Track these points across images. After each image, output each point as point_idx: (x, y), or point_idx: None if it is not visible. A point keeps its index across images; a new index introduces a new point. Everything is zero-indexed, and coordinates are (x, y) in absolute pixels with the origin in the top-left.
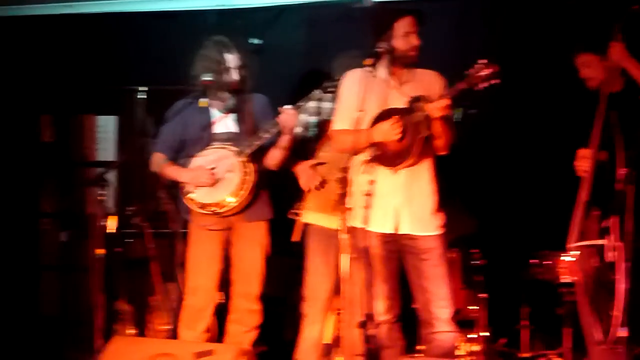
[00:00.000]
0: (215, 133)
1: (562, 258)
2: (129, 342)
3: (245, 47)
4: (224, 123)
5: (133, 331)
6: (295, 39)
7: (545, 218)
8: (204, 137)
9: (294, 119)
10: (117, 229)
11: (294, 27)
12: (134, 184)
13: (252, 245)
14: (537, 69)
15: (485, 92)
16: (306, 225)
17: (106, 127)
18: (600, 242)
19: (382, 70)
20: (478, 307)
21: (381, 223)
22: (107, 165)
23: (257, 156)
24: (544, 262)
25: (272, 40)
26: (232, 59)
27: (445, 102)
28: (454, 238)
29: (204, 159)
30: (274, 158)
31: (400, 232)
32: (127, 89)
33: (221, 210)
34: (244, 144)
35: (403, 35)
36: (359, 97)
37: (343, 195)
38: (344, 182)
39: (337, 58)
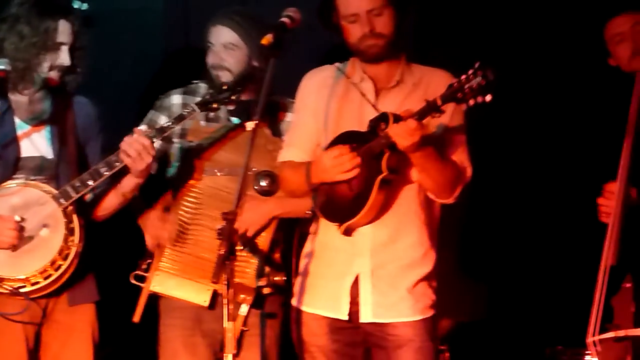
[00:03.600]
0: (21, 157)
1: (585, 358)
2: None
3: (73, 15)
4: (33, 141)
5: None
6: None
7: (559, 295)
8: (4, 162)
9: (151, 150)
10: None
11: None
12: None
13: (77, 341)
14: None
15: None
16: (157, 297)
17: None
18: (635, 332)
19: (353, 68)
20: None
21: (330, 304)
22: None
23: (82, 203)
24: None
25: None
26: (64, 30)
27: (413, 125)
28: (451, 326)
29: (2, 202)
30: (109, 207)
31: (362, 320)
32: None
33: (30, 289)
34: (70, 183)
35: (349, 20)
36: (320, 112)
37: (227, 255)
38: (225, 234)
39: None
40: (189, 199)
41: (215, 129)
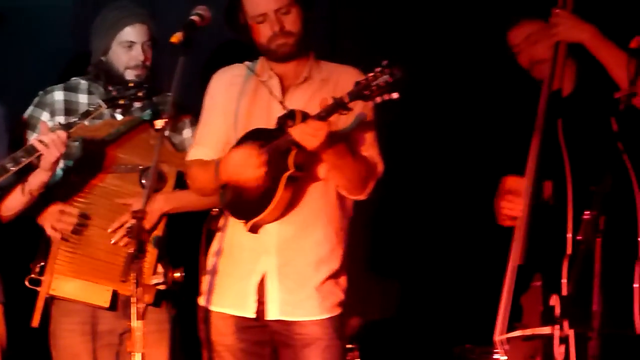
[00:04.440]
0: None
1: (494, 356)
2: None
3: None
4: None
5: None
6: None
7: (468, 294)
8: None
9: (61, 146)
10: None
11: None
12: None
13: None
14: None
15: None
16: (54, 300)
17: None
18: (543, 330)
19: (262, 66)
20: None
21: (236, 302)
22: None
23: None
24: None
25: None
26: None
27: (317, 125)
28: (361, 325)
29: None
30: (14, 206)
31: (269, 317)
32: None
33: None
34: None
35: (257, 20)
36: (230, 110)
37: (136, 253)
38: (134, 232)
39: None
40: (82, 199)
41: (119, 126)
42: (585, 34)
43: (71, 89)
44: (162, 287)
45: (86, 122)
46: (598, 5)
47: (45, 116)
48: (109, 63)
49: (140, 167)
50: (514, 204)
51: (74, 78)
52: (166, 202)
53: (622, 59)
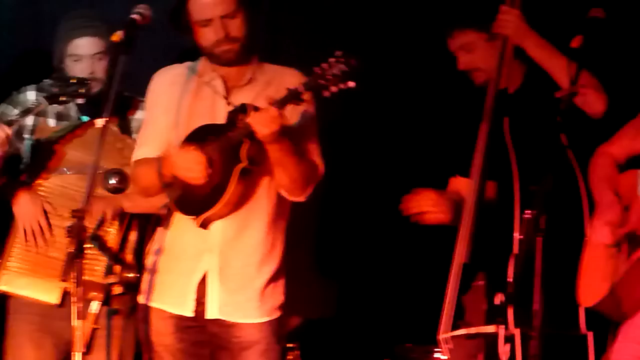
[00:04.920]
0: None
1: (435, 355)
2: None
3: None
4: None
5: None
6: None
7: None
8: None
9: (3, 142)
10: None
11: None
12: None
13: None
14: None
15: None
16: (5, 297)
17: None
18: (487, 329)
19: (204, 67)
20: None
21: (175, 300)
22: None
23: None
24: None
25: None
26: None
27: (274, 112)
28: (301, 324)
29: None
30: None
31: (208, 316)
32: None
33: None
34: None
35: (202, 24)
36: (172, 109)
37: (76, 253)
38: (75, 231)
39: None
40: (41, 196)
41: (63, 126)
42: (528, 40)
43: (42, 90)
44: (117, 288)
45: (52, 124)
46: (541, 4)
47: (15, 113)
48: (65, 72)
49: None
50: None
51: (46, 80)
52: (125, 202)
53: (562, 63)
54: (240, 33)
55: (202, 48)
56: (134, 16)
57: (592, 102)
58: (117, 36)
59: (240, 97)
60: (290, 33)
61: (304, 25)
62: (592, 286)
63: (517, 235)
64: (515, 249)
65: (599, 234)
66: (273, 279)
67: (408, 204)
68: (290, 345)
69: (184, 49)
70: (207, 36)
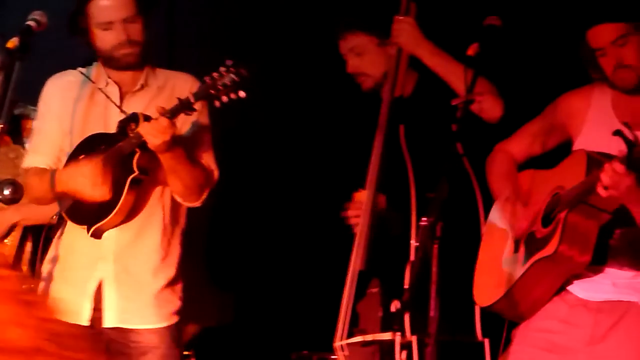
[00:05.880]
0: None
1: None
2: None
3: None
4: None
5: None
6: None
7: (306, 301)
8: None
9: None
10: None
11: None
12: None
13: None
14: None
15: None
16: None
17: None
18: (383, 336)
19: (98, 74)
20: None
21: (71, 309)
22: None
23: None
24: None
25: None
26: None
27: (164, 122)
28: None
29: None
30: None
31: (106, 324)
32: None
33: None
34: None
35: (103, 27)
36: (65, 115)
37: None
38: None
39: None
40: None
41: None
42: (423, 49)
43: None
44: None
45: None
46: (437, 12)
47: None
48: None
49: None
50: (358, 210)
51: None
52: (17, 212)
53: (459, 70)
54: (140, 37)
55: (101, 52)
56: (29, 23)
57: (489, 108)
58: (12, 43)
59: (134, 103)
60: (187, 39)
61: (201, 31)
62: (489, 286)
63: (413, 243)
64: (412, 256)
65: (510, 226)
66: (170, 284)
67: (356, 211)
68: (187, 353)
69: (78, 55)
70: (108, 39)
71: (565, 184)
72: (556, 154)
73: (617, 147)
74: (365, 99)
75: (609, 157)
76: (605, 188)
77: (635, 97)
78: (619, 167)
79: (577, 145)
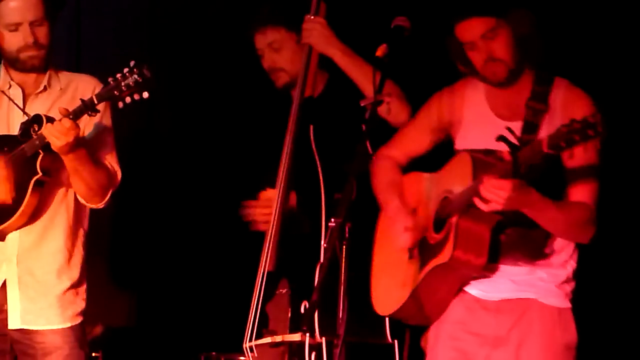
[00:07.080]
0: None
1: None
2: None
3: None
4: None
5: None
6: None
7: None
8: None
9: None
10: None
11: None
12: None
13: None
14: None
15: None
16: None
17: None
18: (293, 337)
19: (0, 76)
20: None
21: None
22: None
23: None
24: None
25: None
26: None
27: (68, 124)
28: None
29: None
30: None
31: (11, 326)
32: None
33: None
34: None
35: (10, 28)
36: None
37: None
38: None
39: None
40: None
41: None
42: (333, 49)
43: None
44: None
45: None
46: (347, 12)
47: None
48: None
49: None
50: (267, 209)
51: None
52: None
53: (368, 71)
54: (46, 41)
55: (6, 53)
56: None
57: (396, 112)
58: None
59: (37, 105)
60: (93, 41)
61: (108, 33)
62: (389, 294)
63: (323, 244)
64: (322, 258)
65: (401, 240)
66: (74, 285)
67: (265, 210)
68: (95, 354)
69: None
70: (15, 40)
71: (453, 187)
72: (439, 152)
73: (498, 142)
74: (275, 98)
75: (491, 153)
76: (486, 202)
77: (506, 90)
78: (497, 182)
79: (458, 144)
